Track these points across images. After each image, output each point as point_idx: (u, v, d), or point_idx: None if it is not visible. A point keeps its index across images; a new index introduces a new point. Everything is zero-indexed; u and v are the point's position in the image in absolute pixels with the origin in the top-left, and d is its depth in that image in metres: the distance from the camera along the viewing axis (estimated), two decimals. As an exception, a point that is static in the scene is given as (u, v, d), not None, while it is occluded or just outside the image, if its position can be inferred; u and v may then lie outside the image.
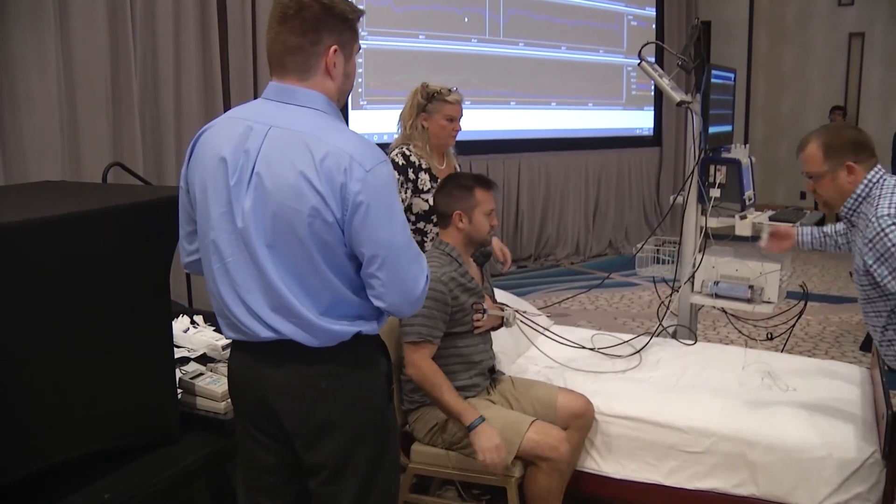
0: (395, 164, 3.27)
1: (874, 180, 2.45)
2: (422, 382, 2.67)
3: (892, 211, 2.31)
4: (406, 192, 3.27)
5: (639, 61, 3.71)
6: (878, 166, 2.49)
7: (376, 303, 1.75)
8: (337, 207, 1.65)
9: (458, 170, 3.51)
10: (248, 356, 1.83)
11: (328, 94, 1.76)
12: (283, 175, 1.65)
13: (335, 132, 1.70)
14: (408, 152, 3.30)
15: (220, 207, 1.73)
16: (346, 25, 1.75)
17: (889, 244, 2.28)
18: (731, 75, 4.69)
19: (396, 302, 1.74)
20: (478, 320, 2.79)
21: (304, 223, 1.65)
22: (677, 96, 3.66)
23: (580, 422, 2.91)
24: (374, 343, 1.86)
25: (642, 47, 3.75)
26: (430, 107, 3.30)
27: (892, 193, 2.37)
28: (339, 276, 1.72)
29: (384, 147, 3.40)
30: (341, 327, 1.74)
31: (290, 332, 1.73)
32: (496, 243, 3.38)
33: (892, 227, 2.27)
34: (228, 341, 2.16)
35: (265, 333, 1.75)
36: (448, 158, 3.47)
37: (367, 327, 1.79)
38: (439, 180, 3.13)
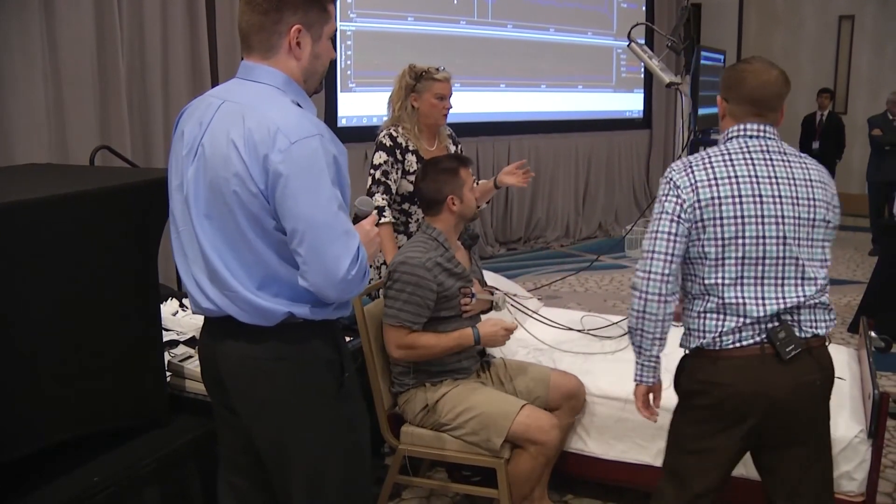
0: (382, 146, 3.26)
1: (731, 135, 2.12)
2: (413, 358, 2.71)
3: (678, 164, 2.08)
4: (397, 173, 3.26)
5: (628, 43, 3.70)
6: (751, 124, 2.10)
7: (301, 282, 1.71)
8: (260, 178, 1.64)
9: (456, 152, 3.49)
10: (204, 331, 1.87)
11: (291, 73, 1.76)
12: (219, 145, 1.68)
13: (274, 106, 1.69)
14: (395, 133, 3.29)
15: (176, 179, 1.78)
16: (311, 5, 1.75)
17: (660, 194, 2.07)
18: (721, 57, 4.70)
19: (318, 282, 1.69)
20: (466, 304, 2.78)
21: (230, 191, 1.66)
22: (667, 78, 3.65)
23: (572, 403, 2.92)
24: (315, 329, 1.80)
25: (631, 28, 3.74)
26: (419, 86, 3.28)
27: (716, 150, 2.09)
28: (273, 251, 1.71)
29: (374, 130, 3.40)
30: (272, 305, 1.72)
31: (224, 305, 1.74)
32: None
33: (663, 179, 2.07)
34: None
35: (205, 304, 1.77)
36: (440, 140, 3.44)
37: (299, 310, 1.75)
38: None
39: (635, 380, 2.17)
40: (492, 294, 2.94)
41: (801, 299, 2.04)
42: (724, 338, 2.04)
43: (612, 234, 8.96)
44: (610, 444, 2.97)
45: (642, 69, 9.18)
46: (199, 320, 2.76)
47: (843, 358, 3.31)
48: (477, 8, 7.63)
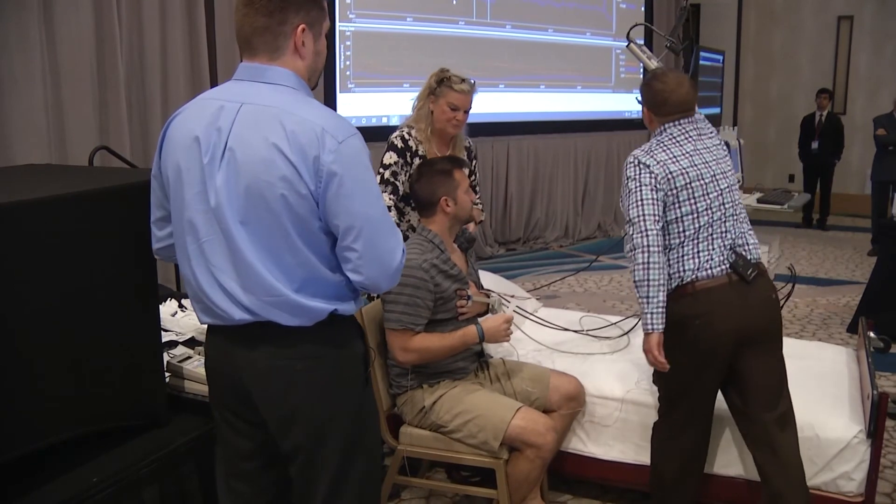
0: (393, 146, 3.27)
1: (667, 127, 2.60)
2: (419, 361, 2.71)
3: (638, 152, 2.57)
4: (405, 175, 3.26)
5: (627, 43, 3.70)
6: (674, 122, 2.59)
7: (353, 277, 1.73)
8: (311, 179, 1.64)
9: (470, 156, 3.48)
10: (222, 339, 1.82)
11: (298, 72, 1.77)
12: (255, 148, 1.65)
13: (306, 106, 1.70)
14: (407, 136, 3.29)
15: (195, 187, 1.72)
16: (312, 4, 1.76)
17: (624, 179, 2.54)
18: (720, 57, 4.70)
19: (374, 275, 1.73)
20: (462, 307, 2.78)
21: (276, 195, 1.64)
22: None
23: (572, 404, 2.92)
24: (351, 324, 1.85)
25: (630, 29, 3.74)
26: (438, 90, 3.27)
27: (662, 137, 2.59)
28: (315, 252, 1.72)
29: (377, 131, 3.40)
30: (317, 304, 1.73)
31: (264, 311, 1.72)
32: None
33: (629, 164, 2.55)
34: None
35: (239, 315, 1.73)
36: (455, 150, 3.41)
37: (344, 307, 1.78)
38: None
39: (647, 329, 2.47)
40: (488, 297, 2.93)
41: (744, 228, 2.60)
42: (700, 272, 2.49)
43: (612, 235, 8.97)
44: (609, 445, 2.97)
45: (641, 70, 9.17)
46: (198, 321, 2.78)
47: (842, 358, 3.31)
48: (476, 8, 7.63)
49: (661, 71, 2.71)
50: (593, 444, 3.00)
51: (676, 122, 2.60)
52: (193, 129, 1.72)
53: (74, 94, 4.66)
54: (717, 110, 4.44)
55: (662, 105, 2.60)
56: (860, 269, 7.29)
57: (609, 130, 9.14)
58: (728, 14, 10.84)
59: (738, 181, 4.05)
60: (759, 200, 4.37)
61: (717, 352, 2.50)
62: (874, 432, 2.60)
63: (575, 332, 3.51)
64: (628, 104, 9.43)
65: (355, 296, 1.82)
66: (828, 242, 8.72)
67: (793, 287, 4.00)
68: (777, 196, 4.50)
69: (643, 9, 9.38)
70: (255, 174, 1.65)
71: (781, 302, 3.78)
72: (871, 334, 3.51)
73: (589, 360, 3.23)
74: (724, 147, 2.70)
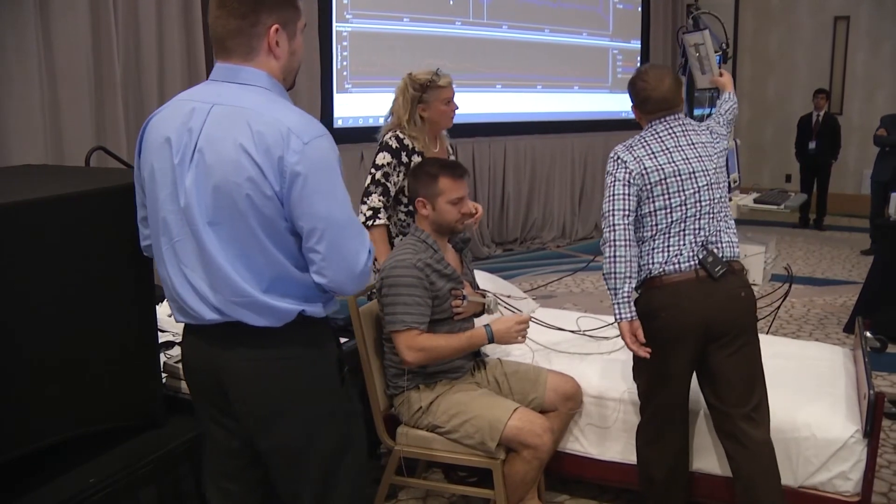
0: (387, 147, 3.22)
1: (653, 123, 2.67)
2: (426, 361, 2.69)
3: (619, 147, 2.65)
4: (398, 176, 3.23)
5: (694, 30, 3.52)
6: (660, 119, 2.65)
7: (317, 279, 1.73)
8: (275, 180, 1.65)
9: (451, 152, 3.48)
10: (198, 339, 1.82)
11: (272, 72, 1.77)
12: (224, 149, 1.65)
13: (275, 107, 1.70)
14: (401, 135, 3.25)
15: (167, 188, 1.73)
16: (286, 4, 1.76)
17: (606, 173, 2.66)
18: (718, 58, 4.69)
19: (337, 278, 1.73)
20: (457, 306, 2.77)
21: (242, 196, 1.65)
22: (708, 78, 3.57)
23: (569, 404, 2.92)
24: (322, 326, 1.85)
25: (691, 15, 3.64)
26: (426, 96, 3.22)
27: (647, 133, 2.65)
28: (283, 252, 1.72)
29: (374, 131, 3.39)
30: (284, 305, 1.73)
31: (232, 311, 1.72)
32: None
33: (610, 159, 2.64)
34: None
35: (210, 315, 1.74)
36: (441, 141, 3.43)
37: (312, 308, 1.78)
38: None
39: (617, 319, 2.56)
40: (484, 297, 2.92)
41: (721, 226, 2.62)
42: (668, 266, 2.57)
43: (609, 235, 8.95)
44: (606, 445, 2.97)
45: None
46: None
47: (838, 358, 3.31)
48: (472, 9, 7.63)
49: (644, 69, 2.76)
50: (590, 444, 3.00)
51: (662, 119, 2.66)
52: (166, 130, 1.73)
53: (71, 95, 4.65)
54: (714, 110, 4.43)
55: (645, 103, 2.68)
56: (857, 269, 7.30)
57: (606, 130, 9.12)
58: (725, 14, 10.81)
59: (735, 181, 4.06)
60: (755, 200, 4.37)
61: (682, 342, 2.57)
62: (871, 432, 2.60)
63: (572, 332, 3.51)
64: (625, 104, 9.35)
65: (325, 299, 1.82)
66: (824, 242, 8.73)
67: (789, 287, 4.00)
68: (774, 196, 4.50)
69: (640, 9, 9.38)
70: (223, 175, 1.65)
71: (778, 302, 3.79)
72: (868, 334, 3.52)
73: (586, 361, 3.23)
74: (719, 144, 2.73)
